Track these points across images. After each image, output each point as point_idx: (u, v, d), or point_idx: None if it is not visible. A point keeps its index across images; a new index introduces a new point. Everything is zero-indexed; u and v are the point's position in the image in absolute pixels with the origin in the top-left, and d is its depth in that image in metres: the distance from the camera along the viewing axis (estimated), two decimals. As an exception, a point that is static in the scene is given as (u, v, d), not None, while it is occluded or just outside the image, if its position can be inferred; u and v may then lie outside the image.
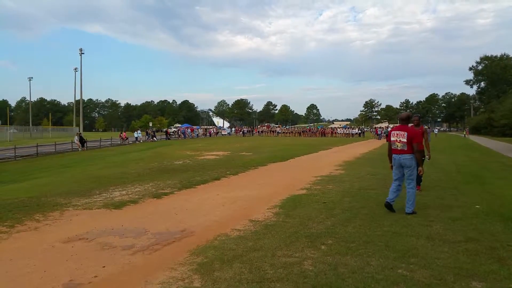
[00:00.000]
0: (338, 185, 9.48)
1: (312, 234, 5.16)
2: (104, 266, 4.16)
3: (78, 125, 68.81)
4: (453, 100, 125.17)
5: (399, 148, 6.44)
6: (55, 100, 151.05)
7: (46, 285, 3.73)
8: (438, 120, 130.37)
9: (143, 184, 10.32)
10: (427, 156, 8.53)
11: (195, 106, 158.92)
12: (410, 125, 7.30)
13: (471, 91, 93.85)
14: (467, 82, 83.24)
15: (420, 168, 6.53)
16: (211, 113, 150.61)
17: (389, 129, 38.95)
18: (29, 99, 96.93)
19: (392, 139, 6.57)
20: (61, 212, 6.96)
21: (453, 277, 3.71)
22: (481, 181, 10.47)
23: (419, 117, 8.82)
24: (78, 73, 67.91)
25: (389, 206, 6.47)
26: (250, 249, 4.57)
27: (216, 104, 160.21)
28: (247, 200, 7.90)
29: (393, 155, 6.59)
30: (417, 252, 4.43)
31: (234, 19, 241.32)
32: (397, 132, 6.51)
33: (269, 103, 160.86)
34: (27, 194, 9.01)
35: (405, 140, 6.34)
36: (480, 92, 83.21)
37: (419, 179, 8.08)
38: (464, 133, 59.16)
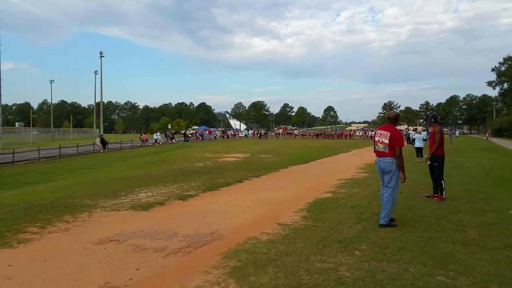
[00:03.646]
0: (363, 189, 9.35)
1: (344, 239, 5.07)
2: (138, 269, 4.15)
3: (98, 127, 69.85)
4: (474, 102, 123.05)
5: (380, 150, 5.84)
6: (75, 103, 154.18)
7: (82, 287, 3.74)
8: (459, 122, 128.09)
9: (167, 186, 10.37)
10: (426, 155, 8.14)
11: (212, 108, 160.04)
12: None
13: (494, 92, 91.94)
14: (490, 83, 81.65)
15: (402, 175, 5.77)
16: (228, 116, 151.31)
17: (410, 131, 38.29)
18: (50, 102, 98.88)
19: (375, 139, 5.97)
20: (90, 214, 7.02)
21: (497, 286, 3.59)
22: (510, 184, 10.20)
23: (430, 118, 8.45)
24: (98, 76, 68.97)
25: (383, 227, 5.67)
26: (283, 254, 4.51)
27: (233, 106, 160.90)
28: (272, 203, 7.84)
29: (376, 158, 6.04)
30: (455, 259, 4.30)
31: (250, 21, 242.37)
32: (381, 132, 5.89)
33: (285, 105, 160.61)
34: (54, 195, 9.13)
35: (387, 142, 5.72)
36: (503, 94, 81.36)
37: (440, 188, 7.86)
38: (487, 135, 57.91)
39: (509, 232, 5.40)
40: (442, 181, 7.85)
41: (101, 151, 30.76)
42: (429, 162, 8.07)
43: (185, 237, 5.37)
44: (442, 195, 7.79)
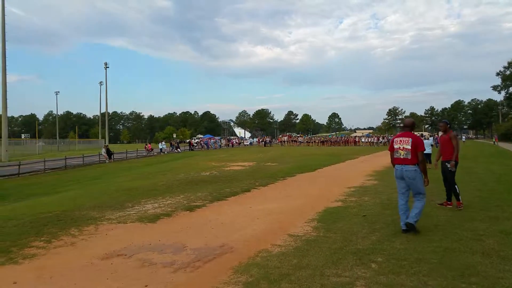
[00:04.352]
0: (374, 197, 9.16)
1: (359, 251, 4.90)
2: (146, 286, 4.01)
3: (103, 137, 70.12)
4: (479, 106, 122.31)
5: (402, 157, 5.85)
6: (80, 113, 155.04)
7: (89, 305, 3.60)
8: (465, 127, 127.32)
9: (174, 196, 10.23)
10: (449, 165, 7.64)
11: (216, 116, 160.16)
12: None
13: (499, 97, 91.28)
14: (495, 87, 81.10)
15: (425, 179, 5.86)
16: (232, 124, 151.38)
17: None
18: (56, 113, 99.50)
19: (395, 146, 5.97)
20: (96, 227, 6.89)
21: (525, 300, 3.41)
22: (524, 191, 9.96)
23: (446, 123, 8.13)
24: (103, 87, 69.50)
25: (410, 227, 5.69)
26: (296, 267, 4.34)
27: (237, 114, 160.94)
28: (281, 213, 7.68)
29: (395, 166, 5.99)
30: (476, 271, 4.12)
31: (253, 30, 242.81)
32: (401, 138, 5.93)
33: (290, 113, 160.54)
34: (60, 208, 9.03)
35: (409, 147, 5.77)
36: (508, 98, 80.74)
37: (455, 193, 7.63)
38: (494, 140, 57.44)
39: (529, 241, 5.21)
40: (456, 186, 7.65)
41: (107, 161, 30.73)
42: (454, 169, 7.75)
43: (194, 250, 5.22)
44: (459, 200, 7.57)
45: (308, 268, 4.32)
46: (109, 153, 31.71)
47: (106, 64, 63.19)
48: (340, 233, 5.83)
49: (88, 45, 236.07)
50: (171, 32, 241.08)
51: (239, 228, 6.47)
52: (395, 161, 6.00)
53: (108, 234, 6.36)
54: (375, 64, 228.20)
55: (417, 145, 5.77)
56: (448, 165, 7.65)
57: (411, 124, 6.22)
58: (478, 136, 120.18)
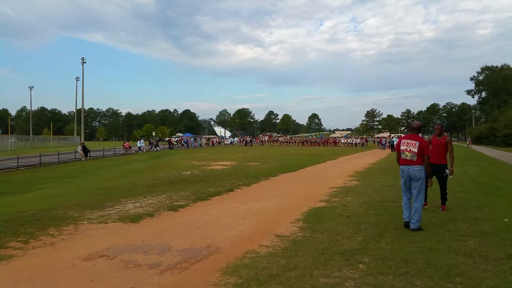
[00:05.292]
0: (357, 197, 9.23)
1: (346, 251, 4.91)
2: None
3: (79, 134, 68.65)
4: (454, 110, 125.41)
5: (408, 158, 6.08)
6: (55, 109, 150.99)
7: (74, 308, 3.48)
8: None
9: (155, 196, 10.07)
10: (448, 171, 7.66)
11: (197, 115, 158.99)
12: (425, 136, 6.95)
13: (472, 101, 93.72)
14: (468, 92, 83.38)
15: (429, 180, 6.25)
16: (212, 123, 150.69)
17: (394, 139, 38.65)
18: (29, 108, 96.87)
19: (402, 148, 6.19)
20: (76, 226, 6.71)
21: (511, 300, 3.47)
22: (499, 192, 10.24)
23: (441, 125, 8.14)
24: (79, 82, 67.94)
25: (416, 230, 5.95)
26: (285, 268, 4.31)
27: (217, 113, 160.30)
28: (267, 213, 7.64)
29: (401, 166, 6.23)
30: (460, 271, 4.19)
31: (235, 29, 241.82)
32: (408, 141, 6.14)
33: (270, 113, 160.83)
34: (36, 207, 8.76)
35: (415, 150, 5.99)
36: (481, 102, 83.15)
37: (444, 198, 7.75)
38: (467, 143, 58.96)
39: (508, 241, 5.34)
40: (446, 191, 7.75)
41: (83, 159, 30.08)
42: (451, 176, 7.84)
43: (180, 251, 5.13)
44: (445, 204, 7.69)
45: (297, 269, 4.30)
46: (86, 150, 31.04)
47: (83, 59, 61.76)
48: (326, 234, 5.84)
49: (65, 39, 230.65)
50: (152, 28, 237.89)
51: (225, 229, 6.40)
52: (401, 161, 6.25)
53: (89, 234, 6.19)
54: (354, 67, 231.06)
55: (424, 148, 6.01)
56: (447, 171, 7.66)
57: (418, 127, 6.40)
58: (453, 139, 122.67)
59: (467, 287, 3.77)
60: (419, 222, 6.01)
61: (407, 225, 6.09)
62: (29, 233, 6.22)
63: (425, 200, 7.60)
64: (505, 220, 6.66)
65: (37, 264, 4.74)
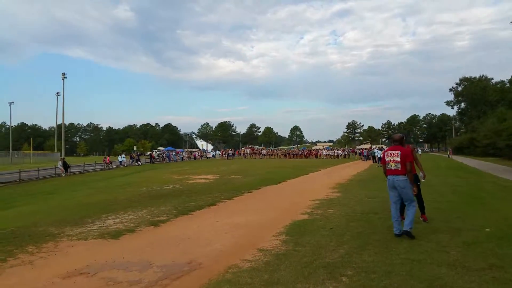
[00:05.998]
0: (339, 209, 9.25)
1: (329, 264, 4.89)
2: (112, 306, 3.80)
3: (59, 149, 67.44)
4: (434, 121, 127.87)
5: (393, 168, 6.43)
6: (36, 125, 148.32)
7: (50, 330, 3.36)
8: (420, 141, 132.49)
9: (136, 211, 9.91)
10: (421, 174, 7.80)
11: (178, 129, 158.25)
12: None
13: (452, 111, 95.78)
14: (448, 103, 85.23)
15: (414, 188, 6.56)
16: (194, 136, 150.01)
17: (375, 150, 39.10)
18: (9, 124, 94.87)
19: (386, 159, 6.57)
20: (55, 243, 6.54)
21: (492, 310, 3.49)
22: (480, 202, 10.40)
23: (402, 136, 8.46)
24: (60, 98, 66.80)
25: (407, 234, 6.21)
26: (268, 283, 4.27)
27: (199, 127, 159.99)
28: (249, 227, 7.59)
29: (388, 176, 6.57)
30: (443, 282, 4.21)
31: (216, 43, 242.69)
32: (391, 152, 6.54)
33: (252, 125, 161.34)
34: (15, 224, 8.53)
35: (398, 159, 6.34)
36: (460, 113, 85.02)
37: (422, 207, 7.82)
38: (448, 153, 60.01)
39: (490, 251, 5.39)
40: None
41: (63, 174, 29.50)
42: (424, 180, 7.98)
43: (161, 267, 5.03)
44: (424, 213, 7.76)
45: (280, 283, 4.25)
46: (66, 166, 30.47)
47: (63, 74, 61.12)
48: (309, 247, 5.82)
49: (45, 54, 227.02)
50: (133, 43, 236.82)
51: (207, 243, 6.32)
52: (387, 172, 6.54)
53: (68, 252, 6.04)
54: (335, 79, 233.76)
55: (406, 156, 6.34)
56: (420, 178, 7.73)
57: (400, 138, 6.72)
58: (433, 149, 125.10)
59: (449, 298, 3.79)
60: (411, 224, 6.26)
61: (397, 237, 6.28)
62: (7, 252, 6.05)
63: (423, 213, 7.74)
64: (487, 230, 6.74)
65: (14, 283, 4.61)
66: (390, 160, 6.46)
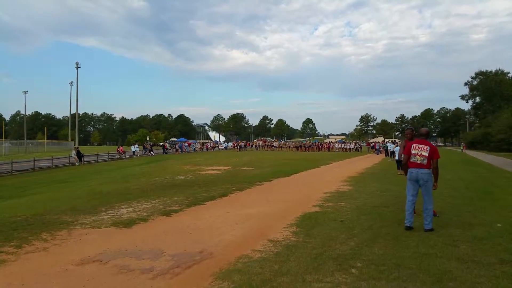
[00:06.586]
0: (350, 202, 9.26)
1: (339, 256, 4.92)
2: (125, 292, 3.89)
3: (73, 139, 68.22)
4: (448, 115, 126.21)
5: (418, 162, 6.41)
6: (50, 114, 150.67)
7: (65, 314, 3.46)
8: (433, 135, 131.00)
9: (149, 201, 10.04)
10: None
11: (191, 120, 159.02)
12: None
13: (466, 106, 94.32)
14: (463, 97, 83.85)
15: (435, 184, 6.58)
16: (206, 127, 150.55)
17: (388, 144, 38.84)
18: (23, 113, 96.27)
19: (413, 152, 6.52)
20: (69, 231, 6.68)
21: (502, 305, 3.49)
22: (492, 197, 10.29)
23: (412, 130, 8.43)
24: (74, 87, 67.29)
25: (430, 231, 6.24)
26: (278, 273, 4.32)
27: (212, 118, 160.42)
28: (260, 218, 7.65)
29: (410, 169, 6.53)
30: (453, 276, 4.20)
31: (229, 34, 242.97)
32: (419, 145, 6.50)
33: (265, 118, 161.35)
34: (29, 212, 8.70)
35: (426, 154, 6.35)
36: (475, 107, 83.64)
37: None
38: (462, 148, 59.28)
39: (501, 246, 5.36)
40: None
41: (77, 163, 29.97)
42: None
43: (173, 256, 5.12)
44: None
45: (290, 274, 4.30)
46: (80, 155, 30.94)
47: (77, 64, 61.32)
48: (319, 238, 5.85)
49: (59, 44, 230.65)
50: (146, 33, 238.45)
51: (218, 233, 6.40)
52: (410, 165, 6.53)
53: (82, 239, 6.16)
54: (349, 72, 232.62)
55: (433, 153, 6.39)
56: None
57: (427, 133, 6.78)
58: (447, 143, 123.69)
59: (459, 292, 3.79)
60: (432, 223, 6.33)
61: (407, 229, 6.33)
62: (22, 238, 6.18)
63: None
64: (498, 225, 6.70)
65: (29, 269, 4.71)
66: (417, 153, 6.44)
